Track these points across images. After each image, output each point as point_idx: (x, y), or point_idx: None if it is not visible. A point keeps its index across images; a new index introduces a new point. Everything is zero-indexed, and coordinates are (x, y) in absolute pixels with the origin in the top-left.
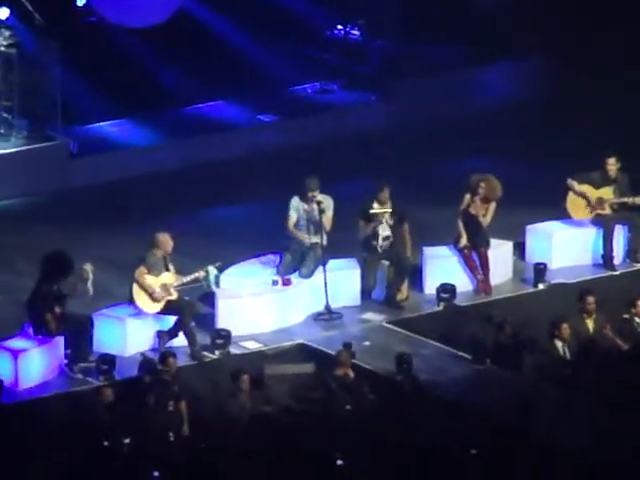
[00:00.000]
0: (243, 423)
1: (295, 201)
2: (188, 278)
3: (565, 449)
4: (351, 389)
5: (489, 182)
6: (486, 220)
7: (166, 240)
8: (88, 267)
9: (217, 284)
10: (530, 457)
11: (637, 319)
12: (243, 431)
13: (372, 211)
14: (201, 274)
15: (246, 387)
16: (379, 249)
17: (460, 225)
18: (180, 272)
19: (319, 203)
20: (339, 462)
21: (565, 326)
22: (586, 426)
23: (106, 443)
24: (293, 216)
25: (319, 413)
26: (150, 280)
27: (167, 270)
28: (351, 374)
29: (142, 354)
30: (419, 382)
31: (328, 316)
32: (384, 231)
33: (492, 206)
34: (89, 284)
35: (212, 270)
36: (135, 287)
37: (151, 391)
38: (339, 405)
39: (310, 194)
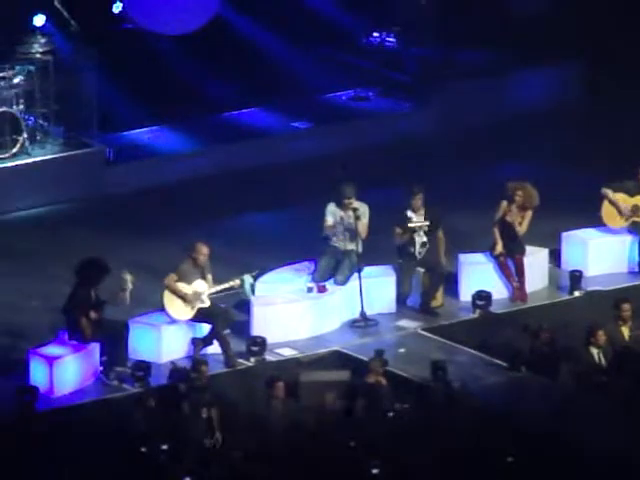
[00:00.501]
0: (278, 430)
1: (331, 207)
2: (222, 286)
3: (601, 456)
4: (381, 397)
5: (526, 190)
6: (522, 228)
7: (202, 249)
8: (128, 276)
9: (253, 292)
10: (566, 464)
11: None
12: (278, 438)
13: (410, 224)
14: (236, 282)
15: (281, 394)
16: (417, 256)
17: (496, 232)
18: (216, 280)
19: (355, 210)
20: (374, 471)
21: (601, 333)
22: (622, 433)
23: (143, 449)
24: (329, 219)
25: (351, 421)
26: (181, 286)
27: (204, 279)
28: (383, 381)
29: (172, 362)
30: (453, 389)
31: (363, 323)
32: (420, 238)
33: (529, 214)
34: (127, 294)
35: (247, 279)
36: (166, 294)
37: (185, 398)
38: (368, 412)
39: (346, 201)
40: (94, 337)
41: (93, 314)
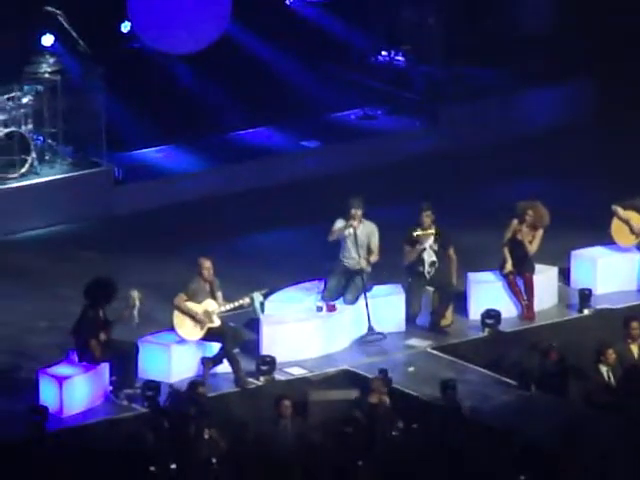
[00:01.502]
0: (286, 449)
1: (339, 223)
2: (231, 305)
3: (611, 475)
4: (381, 416)
5: (537, 210)
6: (533, 248)
7: (204, 263)
8: (135, 294)
9: (262, 310)
10: None
11: None
12: (285, 457)
13: (416, 233)
14: (246, 301)
15: (288, 413)
16: (426, 275)
17: (505, 251)
18: (226, 299)
19: (354, 228)
20: None
21: (610, 351)
22: (632, 452)
23: (152, 468)
24: (337, 224)
25: (354, 441)
26: (191, 305)
27: (214, 298)
28: (387, 400)
29: (170, 386)
30: (461, 408)
31: (371, 337)
32: (430, 257)
33: (539, 233)
34: (135, 311)
35: (257, 297)
36: (176, 315)
37: (190, 420)
38: (367, 432)
39: (353, 211)
40: (104, 358)
41: (102, 335)
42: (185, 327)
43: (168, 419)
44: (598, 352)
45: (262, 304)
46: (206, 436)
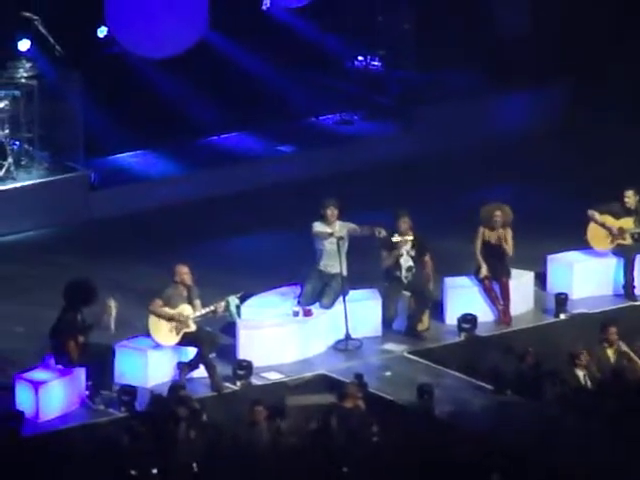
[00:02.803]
0: (260, 454)
1: (317, 225)
2: (207, 309)
3: (586, 478)
4: (355, 421)
5: (503, 209)
6: (510, 247)
7: (183, 271)
8: (112, 303)
9: (238, 314)
10: None
11: None
12: (260, 462)
13: (393, 239)
14: (221, 305)
15: (261, 419)
16: (403, 280)
17: (479, 257)
18: (203, 305)
19: (331, 234)
20: None
21: (585, 354)
22: (606, 456)
23: (133, 472)
24: (317, 226)
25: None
26: (166, 310)
27: (190, 303)
28: (362, 405)
29: (151, 391)
30: (433, 412)
31: (347, 343)
32: (407, 262)
33: (509, 232)
34: (111, 320)
35: (233, 300)
36: (151, 320)
37: (181, 420)
38: (339, 437)
39: (329, 211)
40: (81, 361)
41: (80, 338)
42: (161, 332)
43: (149, 423)
44: (572, 356)
45: (238, 308)
46: (192, 437)
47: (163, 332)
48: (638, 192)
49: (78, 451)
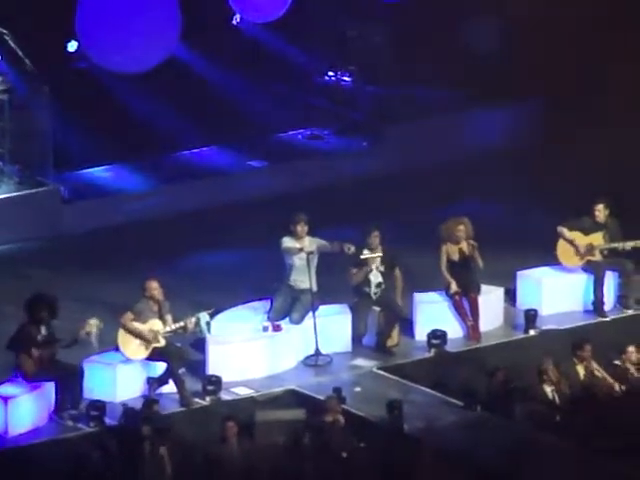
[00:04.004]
0: (232, 470)
1: (286, 241)
2: (177, 325)
3: None
4: (341, 435)
5: (465, 223)
6: (479, 261)
7: (154, 286)
8: (93, 322)
9: (208, 330)
10: None
11: (628, 365)
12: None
13: (362, 256)
14: (192, 321)
15: (232, 434)
16: (372, 296)
17: (446, 274)
18: (174, 320)
19: (300, 250)
20: None
21: (552, 369)
22: (575, 473)
23: None
24: (286, 242)
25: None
26: (136, 325)
27: (161, 318)
28: (341, 420)
29: (123, 404)
30: (403, 428)
31: (316, 359)
32: (376, 278)
33: (474, 243)
34: (93, 338)
35: (204, 317)
36: (121, 333)
37: (145, 439)
38: (331, 451)
39: (299, 227)
40: (38, 376)
41: (36, 351)
42: (130, 346)
43: (119, 438)
44: (540, 371)
45: (208, 324)
46: (161, 454)
47: (132, 346)
48: (608, 206)
49: (46, 466)
